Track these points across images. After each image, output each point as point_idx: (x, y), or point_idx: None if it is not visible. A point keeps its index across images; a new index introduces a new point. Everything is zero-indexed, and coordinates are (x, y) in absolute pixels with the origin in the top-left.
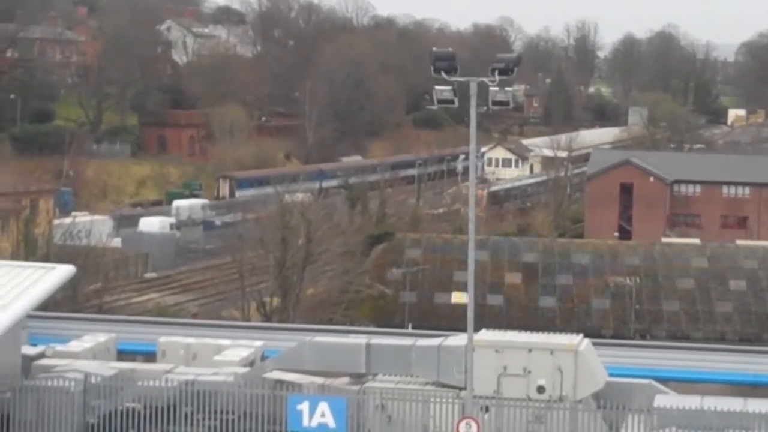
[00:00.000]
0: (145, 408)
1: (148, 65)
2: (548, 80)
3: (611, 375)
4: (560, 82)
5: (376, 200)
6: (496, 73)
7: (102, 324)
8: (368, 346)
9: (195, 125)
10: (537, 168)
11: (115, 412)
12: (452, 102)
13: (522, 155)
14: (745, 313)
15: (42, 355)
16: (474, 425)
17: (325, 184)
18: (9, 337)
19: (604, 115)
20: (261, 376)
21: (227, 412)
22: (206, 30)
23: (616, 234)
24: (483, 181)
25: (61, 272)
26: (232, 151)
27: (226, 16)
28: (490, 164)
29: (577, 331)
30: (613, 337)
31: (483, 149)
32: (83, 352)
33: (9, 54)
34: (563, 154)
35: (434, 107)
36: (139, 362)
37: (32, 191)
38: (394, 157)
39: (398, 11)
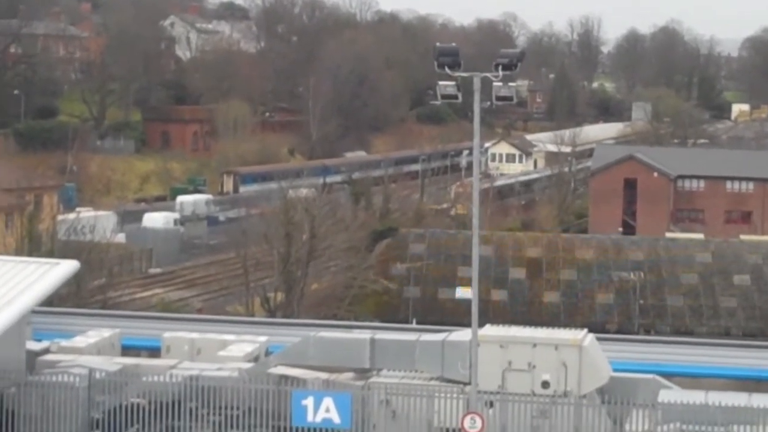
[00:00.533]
0: (149, 403)
1: (152, 61)
2: (552, 76)
3: (615, 370)
4: (564, 78)
5: (380, 195)
6: (500, 68)
7: (106, 319)
8: (372, 341)
9: (199, 121)
10: (541, 163)
11: (120, 407)
12: (456, 97)
13: (526, 150)
14: (750, 308)
15: (46, 351)
16: (478, 420)
17: (329, 179)
18: (14, 332)
19: (607, 110)
20: (265, 372)
21: (232, 408)
22: (210, 26)
23: (620, 229)
24: (487, 176)
25: (65, 268)
26: (236, 146)
27: (229, 12)
28: (494, 159)
29: (582, 326)
30: (617, 332)
31: (487, 144)
32: (88, 348)
33: (12, 50)
34: (567, 149)
35: (438, 102)
36: (144, 358)
37: (36, 187)
38: (397, 153)
39: (402, 6)
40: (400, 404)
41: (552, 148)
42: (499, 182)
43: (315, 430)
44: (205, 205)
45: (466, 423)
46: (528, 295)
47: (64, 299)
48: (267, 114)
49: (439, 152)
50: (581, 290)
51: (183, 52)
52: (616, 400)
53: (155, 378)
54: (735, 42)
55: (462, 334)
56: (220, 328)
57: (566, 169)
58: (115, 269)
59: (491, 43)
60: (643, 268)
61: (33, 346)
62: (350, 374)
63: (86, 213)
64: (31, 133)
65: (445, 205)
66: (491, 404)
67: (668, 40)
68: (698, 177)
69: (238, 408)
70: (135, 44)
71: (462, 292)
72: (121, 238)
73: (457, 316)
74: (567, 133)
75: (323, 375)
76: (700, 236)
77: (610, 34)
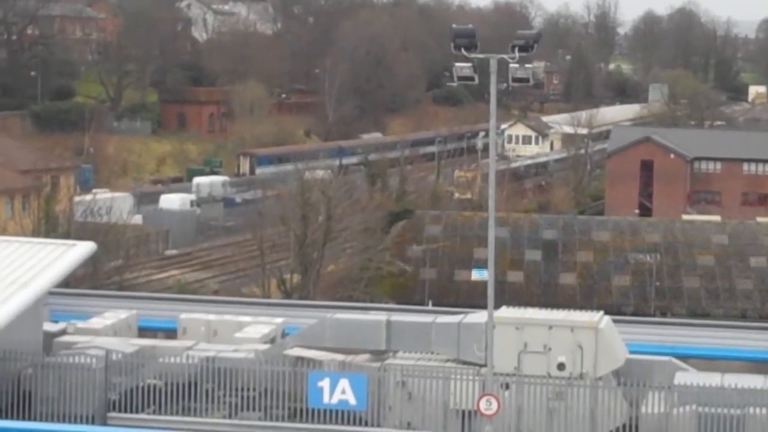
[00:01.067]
0: (166, 385)
1: (168, 42)
2: (568, 57)
3: (631, 352)
4: (580, 59)
5: (396, 177)
6: (516, 50)
7: (123, 301)
8: (389, 323)
9: (215, 102)
10: (557, 145)
11: (136, 388)
12: (472, 79)
13: (542, 132)
14: (766, 291)
15: (63, 332)
16: (494, 402)
17: (345, 161)
18: (31, 313)
19: (624, 92)
20: (282, 353)
21: (248, 389)
22: (226, 7)
23: (637, 211)
24: (503, 158)
25: (82, 249)
26: (252, 128)
27: None
28: (510, 141)
29: (598, 308)
30: (633, 314)
31: (503, 126)
32: (104, 329)
33: (29, 31)
34: (583, 131)
35: (454, 84)
36: (160, 339)
37: (53, 168)
38: (414, 134)
39: None
40: (415, 386)
41: (568, 129)
42: (515, 164)
43: (331, 411)
44: (222, 187)
45: (482, 405)
46: (544, 277)
47: (80, 280)
48: (283, 95)
49: (455, 134)
50: (597, 272)
51: (199, 34)
52: (632, 383)
53: (172, 359)
54: (752, 24)
55: (478, 316)
56: (236, 310)
57: (582, 151)
58: (132, 251)
59: (508, 25)
60: (659, 250)
61: (50, 327)
62: (366, 356)
63: (103, 194)
64: (48, 115)
65: (449, 188)
66: (507, 386)
67: (685, 21)
68: (715, 159)
69: (254, 389)
70: (151, 26)
71: (479, 274)
72: (137, 219)
73: (473, 297)
74: (583, 114)
75: (339, 357)
76: (717, 218)
77: (627, 16)
